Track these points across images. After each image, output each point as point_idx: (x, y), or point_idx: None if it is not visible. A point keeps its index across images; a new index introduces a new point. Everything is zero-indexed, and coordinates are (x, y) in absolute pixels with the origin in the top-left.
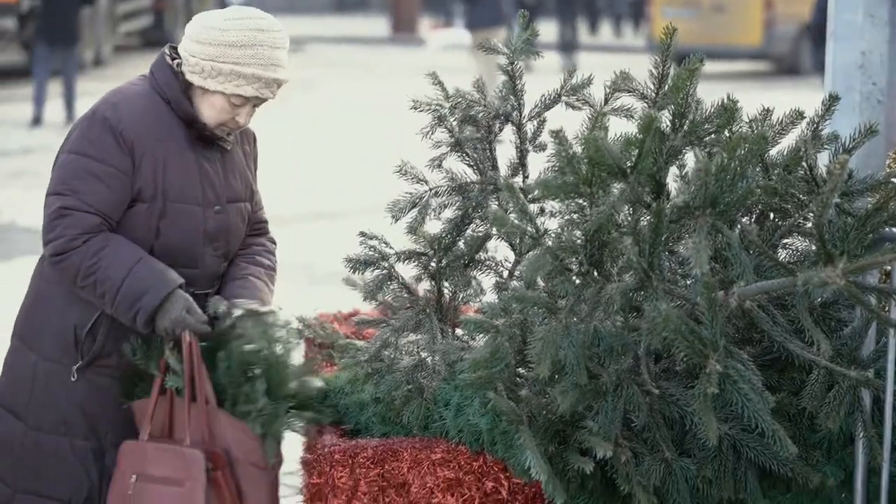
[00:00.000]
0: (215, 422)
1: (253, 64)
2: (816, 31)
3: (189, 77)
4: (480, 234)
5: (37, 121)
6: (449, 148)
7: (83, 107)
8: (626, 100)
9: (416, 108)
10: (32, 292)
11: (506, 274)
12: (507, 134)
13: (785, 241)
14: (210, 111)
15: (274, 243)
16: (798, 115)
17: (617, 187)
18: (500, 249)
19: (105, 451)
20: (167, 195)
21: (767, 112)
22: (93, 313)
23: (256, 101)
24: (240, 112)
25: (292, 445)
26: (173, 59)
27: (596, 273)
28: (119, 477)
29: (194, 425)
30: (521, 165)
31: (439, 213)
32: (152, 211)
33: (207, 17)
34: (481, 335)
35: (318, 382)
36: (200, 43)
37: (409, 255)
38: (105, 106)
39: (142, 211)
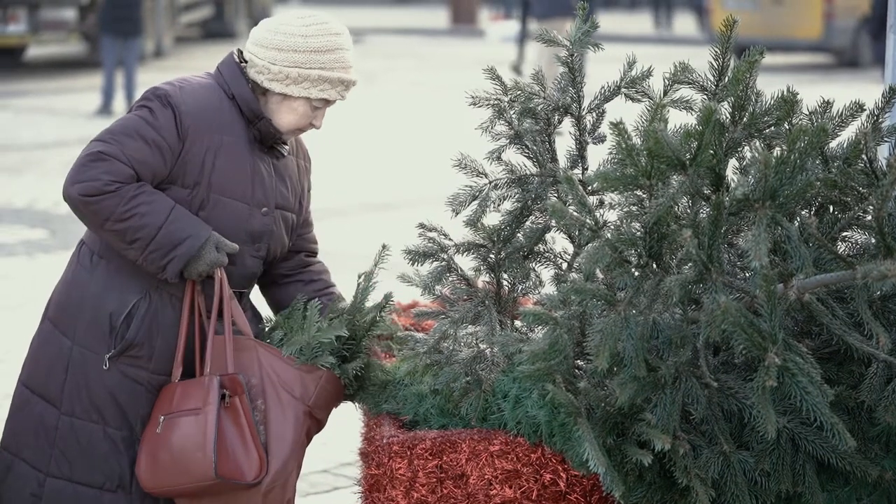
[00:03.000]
0: (245, 352)
1: (337, 68)
2: (876, 24)
3: (268, 84)
4: (539, 226)
5: (105, 111)
6: (508, 140)
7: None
8: (685, 92)
9: (474, 104)
10: (68, 278)
11: (564, 266)
12: (566, 126)
13: (844, 233)
14: (290, 116)
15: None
16: (858, 108)
17: (676, 179)
18: (558, 241)
19: (135, 440)
20: (212, 186)
21: (827, 104)
22: (129, 302)
23: (331, 104)
24: (317, 115)
25: (350, 437)
26: (241, 62)
27: (655, 265)
28: (151, 421)
29: (216, 356)
30: (580, 157)
31: (498, 206)
32: (193, 198)
33: (283, 24)
34: (540, 327)
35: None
36: (282, 50)
37: (468, 247)
38: (169, 86)
39: (181, 196)
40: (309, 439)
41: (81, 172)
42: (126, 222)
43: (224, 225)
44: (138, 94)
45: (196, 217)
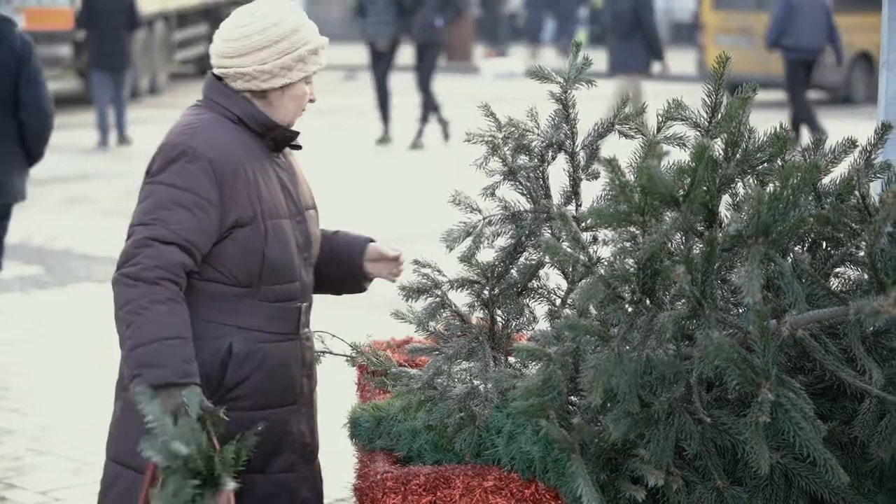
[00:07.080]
0: None
1: (314, 36)
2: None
3: (268, 84)
4: (533, 262)
5: (102, 145)
6: (502, 177)
7: (135, 133)
8: (678, 128)
9: (469, 142)
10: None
11: (558, 302)
12: (560, 162)
13: (837, 269)
14: (293, 104)
15: None
16: (851, 144)
17: (669, 216)
18: (552, 277)
19: None
20: (265, 214)
21: (820, 141)
22: (221, 348)
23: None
24: (312, 89)
25: (344, 473)
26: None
27: (648, 301)
28: None
29: None
30: (573, 194)
31: (492, 242)
32: (256, 233)
33: (245, 27)
34: (534, 363)
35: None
36: (265, 48)
37: (462, 283)
38: (186, 138)
39: (246, 235)
40: None
41: (128, 258)
42: (130, 317)
43: (282, 246)
44: (132, 130)
45: (195, 364)
